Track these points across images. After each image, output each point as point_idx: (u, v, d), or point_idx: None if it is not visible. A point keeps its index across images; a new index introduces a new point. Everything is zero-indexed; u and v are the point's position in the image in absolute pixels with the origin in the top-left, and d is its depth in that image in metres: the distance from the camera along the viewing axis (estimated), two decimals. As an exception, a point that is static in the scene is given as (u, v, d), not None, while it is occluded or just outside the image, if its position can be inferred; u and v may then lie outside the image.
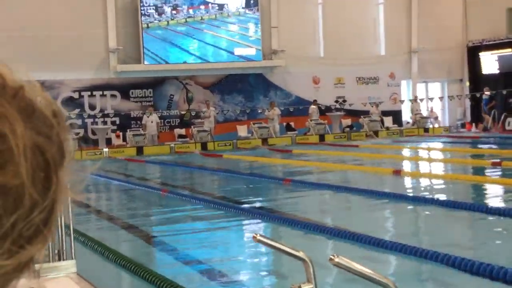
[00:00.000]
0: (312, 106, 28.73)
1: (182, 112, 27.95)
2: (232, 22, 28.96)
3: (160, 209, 11.57)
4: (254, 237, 3.24)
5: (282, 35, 29.64)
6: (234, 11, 28.85)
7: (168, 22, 27.90)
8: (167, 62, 27.68)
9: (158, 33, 27.66)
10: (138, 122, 26.70)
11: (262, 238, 3.33)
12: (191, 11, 28.26)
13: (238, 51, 28.76)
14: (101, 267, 7.07)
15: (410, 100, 30.76)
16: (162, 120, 27.12)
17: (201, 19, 28.43)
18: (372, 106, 29.61)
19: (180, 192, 12.85)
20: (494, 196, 11.58)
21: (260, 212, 10.19)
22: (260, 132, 27.03)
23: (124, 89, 27.20)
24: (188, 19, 28.22)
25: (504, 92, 29.09)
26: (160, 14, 27.66)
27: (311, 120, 28.17)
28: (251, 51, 28.97)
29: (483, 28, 31.27)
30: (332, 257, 2.78)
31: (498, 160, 15.21)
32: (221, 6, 28.71)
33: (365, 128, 28.83)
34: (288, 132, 28.09)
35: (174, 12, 27.97)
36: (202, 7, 28.37)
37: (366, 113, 29.53)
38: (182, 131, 27.37)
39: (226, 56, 28.66)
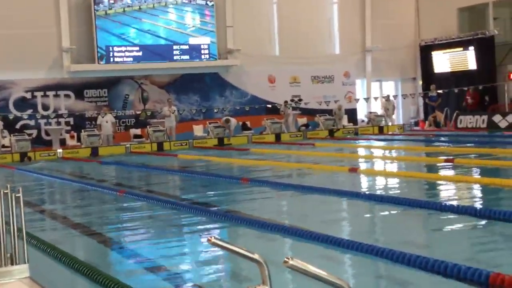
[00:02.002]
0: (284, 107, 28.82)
1: (138, 112, 27.73)
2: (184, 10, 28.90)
3: (116, 210, 11.45)
4: (209, 240, 3.23)
5: (238, 34, 29.64)
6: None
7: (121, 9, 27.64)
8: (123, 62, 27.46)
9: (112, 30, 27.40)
10: (93, 122, 26.39)
11: (217, 241, 3.31)
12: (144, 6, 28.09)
13: (192, 40, 28.60)
14: (55, 271, 6.96)
15: (384, 97, 30.92)
16: (117, 120, 26.86)
17: (153, 6, 28.26)
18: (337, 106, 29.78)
19: (137, 193, 12.75)
20: (448, 193, 11.76)
21: (218, 212, 10.16)
22: (216, 131, 26.99)
23: (78, 89, 26.85)
24: (142, 7, 28.03)
25: (456, 90, 29.60)
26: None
27: (267, 119, 28.24)
28: (205, 40, 28.79)
29: (435, 28, 31.78)
30: (287, 260, 2.78)
31: (451, 157, 15.48)
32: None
33: (321, 126, 29.02)
34: (244, 132, 28.10)
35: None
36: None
37: (321, 111, 29.72)
38: (138, 131, 27.17)
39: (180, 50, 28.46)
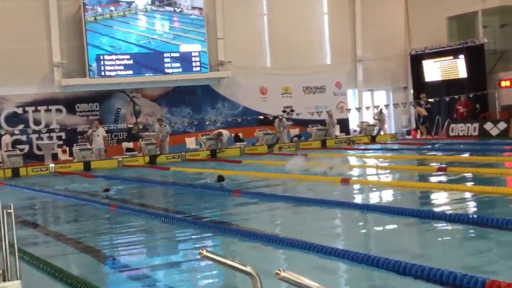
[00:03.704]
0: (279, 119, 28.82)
1: (130, 126, 27.70)
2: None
3: (109, 224, 11.40)
4: (200, 253, 3.21)
5: (229, 46, 29.70)
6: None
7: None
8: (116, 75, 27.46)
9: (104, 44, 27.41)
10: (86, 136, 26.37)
11: (208, 254, 3.29)
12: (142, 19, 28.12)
13: (183, 47, 28.61)
14: (48, 286, 6.90)
15: (376, 108, 30.94)
16: (109, 134, 26.82)
17: (146, 10, 28.31)
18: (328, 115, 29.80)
19: (129, 207, 12.69)
20: (442, 201, 11.76)
21: (211, 225, 10.13)
22: (208, 143, 26.96)
23: (69, 103, 26.83)
24: (131, 15, 28.07)
25: (447, 99, 29.69)
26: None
27: (259, 131, 28.24)
28: (196, 48, 28.81)
29: (425, 37, 31.91)
30: (278, 272, 2.77)
31: (444, 166, 15.49)
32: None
33: (313, 137, 29.04)
34: (237, 143, 28.09)
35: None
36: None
37: (313, 122, 29.74)
38: (130, 145, 27.12)
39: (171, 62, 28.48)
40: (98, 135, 25.57)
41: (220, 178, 14.24)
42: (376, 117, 30.72)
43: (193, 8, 29.03)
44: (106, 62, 27.36)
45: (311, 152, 25.04)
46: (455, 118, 29.02)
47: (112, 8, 27.58)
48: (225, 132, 27.19)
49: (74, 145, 25.65)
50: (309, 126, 29.53)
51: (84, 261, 8.41)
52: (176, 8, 28.79)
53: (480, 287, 5.45)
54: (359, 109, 31.69)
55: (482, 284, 5.45)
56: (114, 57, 27.53)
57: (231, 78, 29.39)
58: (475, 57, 29.60)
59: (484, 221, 8.59)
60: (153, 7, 28.41)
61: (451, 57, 30.68)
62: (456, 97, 29.36)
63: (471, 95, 28.90)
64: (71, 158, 25.61)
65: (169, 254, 8.47)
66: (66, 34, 26.94)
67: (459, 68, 30.42)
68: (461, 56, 30.12)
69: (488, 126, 26.85)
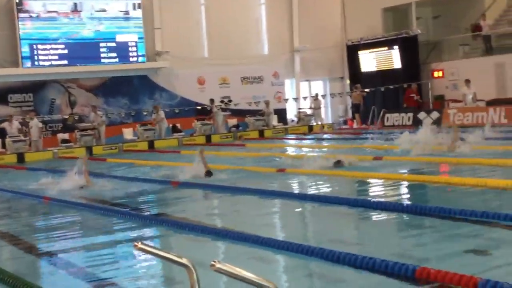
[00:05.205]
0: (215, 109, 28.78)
1: (65, 117, 27.21)
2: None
3: (43, 217, 11.20)
4: (135, 245, 3.19)
5: (166, 36, 29.47)
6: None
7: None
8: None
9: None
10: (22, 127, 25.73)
11: (144, 246, 3.28)
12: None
13: (119, 37, 28.23)
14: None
15: (312, 96, 31.17)
16: (44, 125, 26.27)
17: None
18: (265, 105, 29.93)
19: (63, 199, 12.48)
20: (377, 190, 11.98)
21: (149, 217, 10.07)
22: (146, 134, 26.75)
23: (1, 94, 26.15)
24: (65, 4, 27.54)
25: (382, 89, 30.21)
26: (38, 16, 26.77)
27: (197, 121, 28.18)
28: (133, 38, 28.46)
29: (361, 28, 32.36)
30: (213, 263, 2.78)
31: (379, 156, 15.77)
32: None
33: (251, 127, 29.16)
34: (175, 134, 27.94)
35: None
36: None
37: (251, 112, 29.83)
38: (66, 136, 26.65)
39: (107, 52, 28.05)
40: (31, 127, 25.00)
41: (209, 173, 13.98)
42: (312, 105, 31.07)
43: (130, -3, 28.64)
44: (39, 52, 26.77)
45: (249, 142, 25.15)
46: (405, 107, 29.34)
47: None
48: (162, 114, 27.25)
49: (7, 136, 25.01)
50: (247, 116, 29.60)
51: (16, 255, 8.24)
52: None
53: (410, 274, 5.58)
54: (296, 99, 31.94)
55: (412, 271, 5.59)
56: (48, 46, 26.95)
57: (169, 68, 29.18)
58: (409, 48, 30.20)
59: (418, 209, 8.80)
60: (89, -4, 27.91)
61: (386, 48, 31.22)
62: (391, 87, 29.89)
63: (405, 85, 29.47)
64: (3, 150, 24.97)
65: (105, 246, 8.37)
66: (-2, 23, 26.28)
67: (393, 58, 30.98)
68: (396, 47, 30.68)
69: (421, 115, 27.43)
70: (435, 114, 26.96)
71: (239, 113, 30.09)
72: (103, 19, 28.11)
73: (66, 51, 27.23)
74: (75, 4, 27.54)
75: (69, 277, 6.91)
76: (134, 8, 28.57)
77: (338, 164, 14.22)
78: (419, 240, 7.49)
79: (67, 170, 14.98)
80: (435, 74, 30.17)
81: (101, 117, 26.67)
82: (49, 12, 27.01)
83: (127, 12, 28.43)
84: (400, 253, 6.67)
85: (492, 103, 25.97)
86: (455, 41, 30.77)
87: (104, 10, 28.06)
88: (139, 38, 28.62)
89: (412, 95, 29.52)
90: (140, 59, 28.69)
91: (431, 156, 14.95)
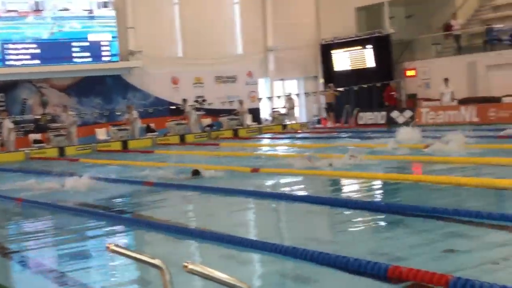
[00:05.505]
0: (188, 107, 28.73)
1: (37, 117, 26.94)
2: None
3: (15, 219, 11.09)
4: (107, 247, 3.18)
5: (139, 35, 29.31)
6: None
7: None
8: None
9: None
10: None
11: (116, 248, 3.27)
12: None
13: (92, 36, 27.98)
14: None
15: (286, 95, 31.23)
16: (16, 126, 25.97)
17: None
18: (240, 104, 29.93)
19: (36, 200, 12.36)
20: (352, 189, 12.04)
21: (122, 217, 10.02)
22: (119, 134, 26.61)
23: (-28, 94, 25.86)
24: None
25: (356, 88, 30.37)
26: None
27: (171, 121, 28.10)
28: (105, 37, 28.24)
29: (334, 27, 32.50)
30: (186, 264, 2.78)
31: (354, 154, 15.79)
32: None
33: (225, 126, 29.15)
34: (148, 134, 27.83)
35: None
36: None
37: (225, 111, 29.82)
38: (38, 136, 26.39)
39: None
40: (3, 127, 24.71)
41: (196, 172, 13.87)
42: (286, 104, 31.16)
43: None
44: (11, 51, 26.48)
45: (223, 142, 25.13)
46: (387, 105, 29.50)
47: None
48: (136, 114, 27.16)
49: (-23, 137, 24.73)
50: (221, 115, 29.58)
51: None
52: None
53: (383, 273, 5.62)
54: (270, 99, 31.99)
55: (385, 270, 5.63)
56: (19, 45, 26.67)
57: (142, 68, 29.03)
58: (382, 47, 30.40)
59: (392, 208, 8.86)
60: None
61: (360, 47, 31.40)
62: (365, 86, 30.06)
63: (378, 84, 29.66)
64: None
65: (78, 248, 8.30)
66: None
67: (367, 58, 31.18)
68: (369, 46, 30.87)
69: (394, 114, 27.65)
70: (408, 113, 27.18)
71: (213, 113, 30.06)
72: (74, 18, 27.83)
73: (38, 51, 26.97)
74: (37, 3, 27.16)
75: (41, 279, 6.85)
76: (98, 7, 28.27)
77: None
78: (393, 239, 7.53)
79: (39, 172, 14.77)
80: (408, 73, 30.41)
81: (74, 117, 26.46)
82: (8, 11, 26.51)
83: (91, 11, 28.09)
84: (374, 252, 6.71)
85: (464, 101, 26.24)
86: (427, 40, 31.05)
87: (67, 9, 27.68)
88: (112, 37, 28.44)
89: (392, 93, 29.75)
90: (113, 58, 28.51)
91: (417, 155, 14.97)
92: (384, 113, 28.18)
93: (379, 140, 19.09)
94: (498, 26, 27.96)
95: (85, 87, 28.13)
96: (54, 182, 13.87)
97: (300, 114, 33.65)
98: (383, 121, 27.82)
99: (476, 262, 6.12)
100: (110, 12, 28.45)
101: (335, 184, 12.63)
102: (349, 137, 23.01)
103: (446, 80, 26.71)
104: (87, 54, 27.99)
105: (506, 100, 25.37)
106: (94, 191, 13.11)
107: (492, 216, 7.58)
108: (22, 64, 26.63)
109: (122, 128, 26.92)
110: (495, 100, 25.63)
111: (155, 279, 6.03)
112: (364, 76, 30.59)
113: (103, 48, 28.31)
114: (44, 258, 7.78)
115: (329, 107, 30.75)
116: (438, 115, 25.94)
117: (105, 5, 28.35)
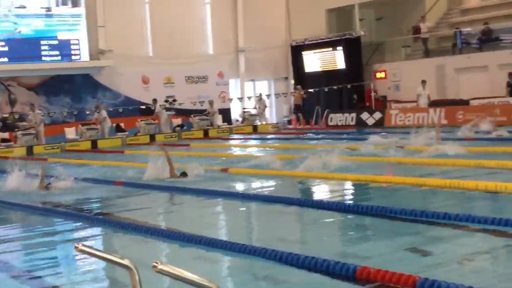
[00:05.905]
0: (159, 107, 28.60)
1: (5, 115, 26.62)
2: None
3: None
4: (76, 247, 3.16)
5: (110, 34, 29.13)
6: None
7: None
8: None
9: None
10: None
11: (85, 248, 3.25)
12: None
13: (61, 35, 27.67)
14: None
15: (256, 96, 31.25)
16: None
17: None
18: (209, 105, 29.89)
19: (4, 200, 12.21)
20: (321, 190, 12.10)
21: (92, 217, 9.94)
22: (88, 134, 26.40)
23: None
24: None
25: (326, 89, 30.52)
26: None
27: (141, 121, 27.98)
28: (75, 35, 27.95)
29: (305, 28, 32.64)
30: (155, 265, 2.78)
31: (323, 155, 15.85)
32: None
33: (195, 126, 29.09)
34: (118, 133, 27.66)
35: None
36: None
37: (196, 112, 29.77)
38: (6, 135, 26.07)
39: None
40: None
41: (184, 174, 13.71)
42: (256, 105, 31.20)
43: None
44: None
45: (193, 142, 25.08)
46: (367, 106, 29.68)
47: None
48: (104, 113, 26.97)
49: None
50: (192, 115, 29.52)
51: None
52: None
53: (351, 274, 5.66)
54: (241, 99, 32.01)
55: (353, 271, 5.67)
56: (-14, 43, 26.36)
57: (112, 67, 28.85)
58: (353, 49, 30.60)
59: (360, 209, 8.92)
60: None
61: (330, 49, 31.56)
62: (335, 87, 30.24)
63: (348, 86, 29.84)
64: None
65: (47, 248, 8.22)
66: None
67: (337, 59, 31.35)
68: (339, 48, 31.05)
69: (364, 116, 27.84)
70: (377, 115, 27.38)
71: (184, 113, 29.98)
72: (46, 16, 27.54)
73: (6, 48, 26.64)
74: (18, 1, 26.89)
75: (9, 280, 6.77)
76: (57, 5, 27.98)
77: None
78: (362, 240, 7.60)
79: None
80: (378, 75, 30.66)
81: (42, 116, 26.20)
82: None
83: (49, 9, 27.75)
84: (343, 253, 6.76)
85: (432, 104, 26.52)
86: (397, 43, 31.34)
87: (24, 7, 27.33)
88: (82, 36, 28.21)
89: (371, 94, 30.00)
90: (83, 57, 28.27)
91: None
92: (353, 114, 28.36)
93: (350, 141, 19.20)
94: (466, 29, 28.33)
95: (54, 86, 27.87)
96: (22, 182, 13.69)
97: (271, 115, 33.72)
98: (353, 123, 27.99)
99: (444, 263, 6.19)
100: (79, 10, 28.21)
101: (306, 184, 12.67)
102: (321, 138, 23.11)
103: (423, 82, 26.89)
104: (56, 52, 27.73)
105: (474, 102, 25.71)
106: (61, 190, 12.98)
107: (459, 218, 7.67)
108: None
109: (92, 127, 26.72)
110: (464, 102, 25.95)
111: (123, 279, 6.01)
112: (335, 77, 30.77)
113: (73, 47, 28.06)
114: (10, 259, 7.68)
115: (297, 109, 30.86)
116: (407, 117, 26.17)
117: (62, 2, 28.01)
